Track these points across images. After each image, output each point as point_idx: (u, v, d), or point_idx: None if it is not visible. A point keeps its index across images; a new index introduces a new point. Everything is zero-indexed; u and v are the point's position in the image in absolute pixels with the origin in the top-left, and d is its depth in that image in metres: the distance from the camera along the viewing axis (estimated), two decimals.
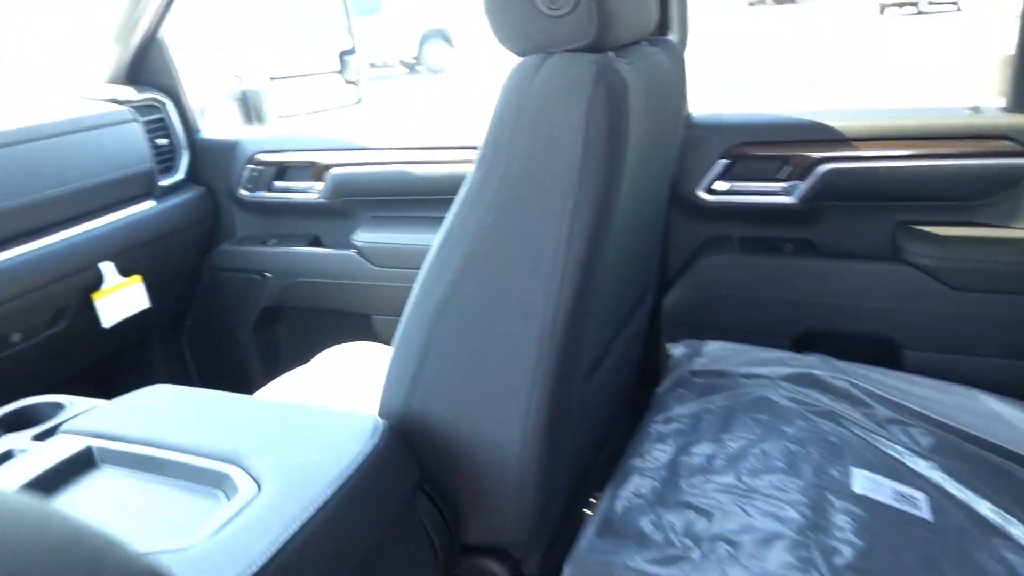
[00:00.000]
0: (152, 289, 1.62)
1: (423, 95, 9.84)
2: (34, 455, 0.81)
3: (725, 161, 1.36)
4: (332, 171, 1.64)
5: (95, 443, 0.82)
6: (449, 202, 1.73)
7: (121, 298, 1.55)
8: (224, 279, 1.79)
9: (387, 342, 1.66)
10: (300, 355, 1.91)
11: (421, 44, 12.12)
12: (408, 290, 1.70)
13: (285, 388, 1.25)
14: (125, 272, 1.55)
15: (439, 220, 1.65)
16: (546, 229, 0.77)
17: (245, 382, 1.87)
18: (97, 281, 1.50)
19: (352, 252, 1.64)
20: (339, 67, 2.04)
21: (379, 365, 1.23)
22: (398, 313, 1.72)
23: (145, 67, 1.69)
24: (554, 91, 0.75)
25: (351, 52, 1.99)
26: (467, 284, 0.83)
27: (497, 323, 0.81)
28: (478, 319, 0.82)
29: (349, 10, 2.00)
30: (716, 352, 1.32)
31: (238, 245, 1.78)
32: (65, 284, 1.43)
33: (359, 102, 2.10)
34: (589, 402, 0.99)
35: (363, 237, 1.63)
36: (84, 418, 0.89)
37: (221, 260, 1.79)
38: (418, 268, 1.65)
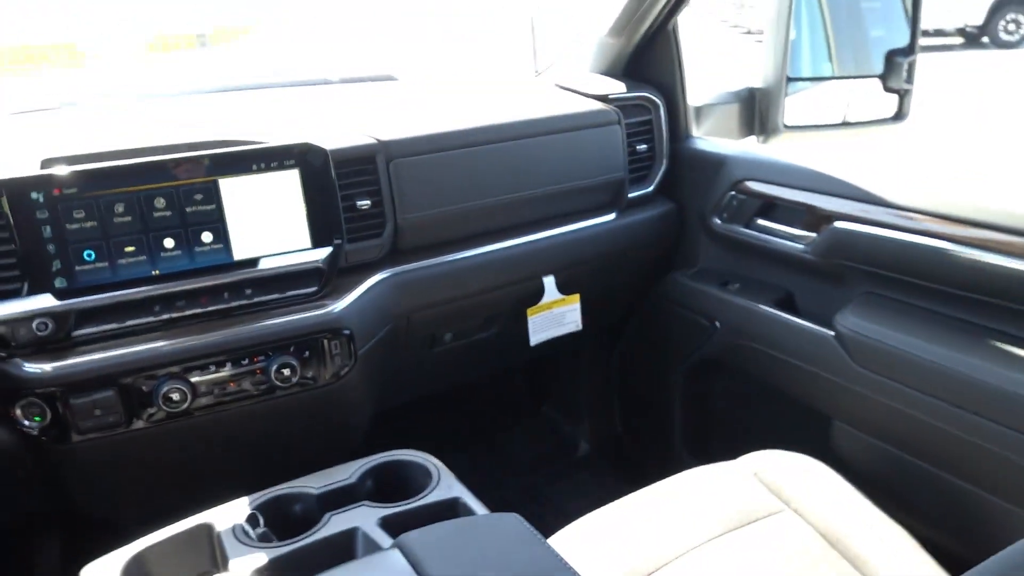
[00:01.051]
0: (588, 307, 1.45)
1: (986, 78, 8.00)
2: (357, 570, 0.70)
3: None
4: (837, 224, 1.21)
5: None
6: (1002, 312, 1.13)
7: (555, 317, 1.41)
8: (669, 312, 1.54)
9: (843, 458, 1.21)
10: (731, 423, 1.58)
11: (992, 11, 9.88)
12: (896, 412, 1.18)
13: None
14: (564, 287, 1.40)
15: (974, 329, 1.10)
16: None
17: (664, 432, 1.63)
18: (536, 294, 1.38)
19: (830, 334, 1.22)
20: (880, 69, 1.54)
21: (820, 505, 0.98)
22: (870, 431, 1.25)
23: (646, 61, 1.48)
24: None
25: (907, 53, 1.48)
26: None
27: None
28: None
29: None
30: None
31: (694, 280, 1.50)
32: (504, 292, 1.35)
33: (898, 118, 1.58)
34: None
35: (850, 322, 1.19)
36: (425, 533, 0.73)
37: (671, 290, 1.53)
38: (917, 389, 1.13)
